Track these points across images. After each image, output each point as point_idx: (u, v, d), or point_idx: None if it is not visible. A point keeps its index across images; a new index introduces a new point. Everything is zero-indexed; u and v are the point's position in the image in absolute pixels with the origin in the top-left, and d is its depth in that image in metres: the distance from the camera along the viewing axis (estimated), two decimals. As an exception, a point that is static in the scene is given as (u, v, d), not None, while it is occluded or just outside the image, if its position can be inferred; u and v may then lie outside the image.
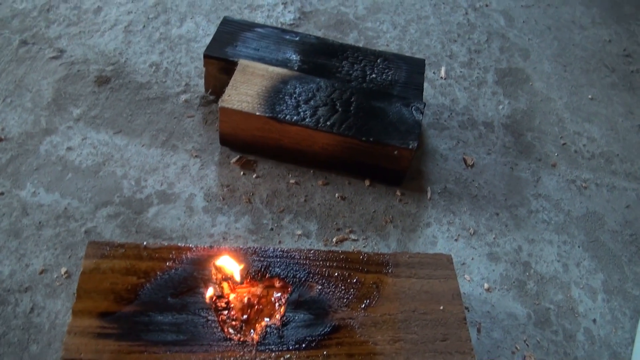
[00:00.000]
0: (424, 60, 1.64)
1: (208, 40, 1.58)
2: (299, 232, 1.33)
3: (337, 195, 1.42)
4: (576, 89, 1.88)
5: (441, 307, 1.09)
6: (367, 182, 1.46)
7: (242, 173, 1.43)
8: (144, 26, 1.75)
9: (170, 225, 1.30)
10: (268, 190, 1.40)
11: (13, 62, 1.57)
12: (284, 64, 1.52)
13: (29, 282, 1.16)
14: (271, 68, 1.48)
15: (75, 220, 1.27)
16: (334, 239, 1.33)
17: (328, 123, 1.37)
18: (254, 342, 1.00)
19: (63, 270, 1.19)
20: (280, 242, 1.31)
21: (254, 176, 1.42)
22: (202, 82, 1.60)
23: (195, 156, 1.44)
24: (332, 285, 1.10)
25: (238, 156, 1.45)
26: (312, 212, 1.38)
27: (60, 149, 1.40)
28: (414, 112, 1.44)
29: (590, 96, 1.86)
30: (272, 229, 1.33)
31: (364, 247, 1.33)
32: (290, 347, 1.00)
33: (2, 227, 1.23)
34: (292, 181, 1.43)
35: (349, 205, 1.41)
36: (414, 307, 1.09)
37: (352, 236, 1.35)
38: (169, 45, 1.72)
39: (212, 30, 1.72)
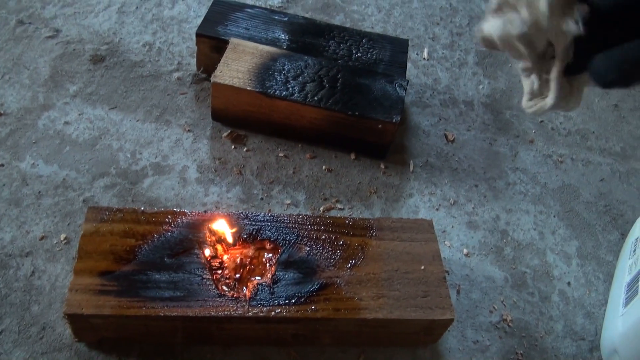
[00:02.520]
0: (408, 40, 1.70)
1: (199, 21, 1.63)
2: (288, 201, 1.40)
3: (324, 167, 1.48)
4: (554, 70, 1.95)
5: (422, 267, 1.16)
6: (352, 156, 1.52)
7: (233, 147, 1.49)
8: (137, 7, 1.80)
9: (165, 194, 1.36)
10: (258, 162, 1.46)
11: (10, 41, 1.61)
12: (273, 42, 1.58)
13: (30, 247, 1.21)
14: (261, 46, 1.53)
15: (74, 190, 1.32)
16: (321, 208, 1.39)
17: (315, 98, 1.44)
18: (247, 298, 1.06)
19: (62, 236, 1.24)
20: (270, 210, 1.37)
21: (245, 150, 1.48)
22: (193, 61, 1.65)
23: (188, 130, 1.50)
24: (320, 247, 1.16)
25: (229, 131, 1.51)
26: (300, 183, 1.44)
27: (57, 124, 1.45)
28: (397, 88, 1.50)
29: (567, 77, 1.93)
30: (262, 199, 1.39)
31: (350, 215, 1.39)
32: (281, 302, 1.06)
33: (3, 196, 1.29)
34: (281, 154, 1.49)
35: (335, 177, 1.47)
36: (396, 267, 1.16)
37: (339, 205, 1.41)
38: (161, 25, 1.77)
39: (203, 12, 1.77)
